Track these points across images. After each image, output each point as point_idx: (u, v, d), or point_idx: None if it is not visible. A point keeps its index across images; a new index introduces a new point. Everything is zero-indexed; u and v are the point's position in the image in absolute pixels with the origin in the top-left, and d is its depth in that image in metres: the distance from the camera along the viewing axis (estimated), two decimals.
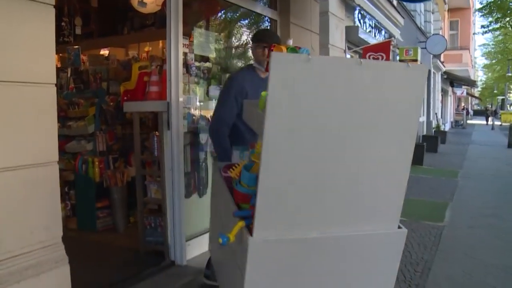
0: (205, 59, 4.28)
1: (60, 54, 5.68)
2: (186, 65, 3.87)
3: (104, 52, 5.94)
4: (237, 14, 5.21)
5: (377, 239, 1.99)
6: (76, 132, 5.14)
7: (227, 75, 4.49)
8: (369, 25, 8.59)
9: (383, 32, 9.55)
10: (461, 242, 4.79)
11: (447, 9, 25.52)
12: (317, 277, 1.96)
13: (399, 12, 10.34)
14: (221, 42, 4.80)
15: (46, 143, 2.47)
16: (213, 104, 4.35)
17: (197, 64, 4.06)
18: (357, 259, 2.01)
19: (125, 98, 4.24)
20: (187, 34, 3.87)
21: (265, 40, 3.04)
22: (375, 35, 9.02)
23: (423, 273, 3.88)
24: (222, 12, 5.05)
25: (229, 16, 5.26)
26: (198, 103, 4.11)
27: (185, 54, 3.82)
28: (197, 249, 3.94)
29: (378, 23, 9.04)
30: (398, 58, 10.71)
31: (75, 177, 4.95)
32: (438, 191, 7.68)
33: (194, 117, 4.04)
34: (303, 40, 5.18)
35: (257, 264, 1.83)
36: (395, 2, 10.40)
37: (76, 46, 5.47)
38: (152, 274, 3.55)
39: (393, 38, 9.70)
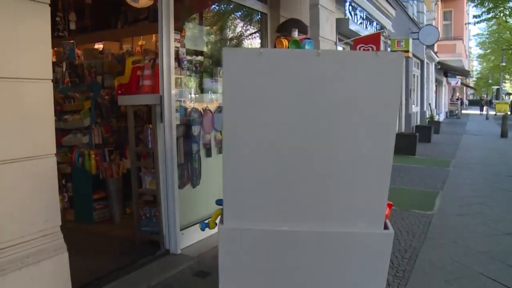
0: (197, 53, 4.36)
1: (55, 49, 5.73)
2: (178, 59, 3.96)
3: (99, 46, 6.00)
4: (228, 8, 5.27)
5: (358, 239, 1.86)
6: (72, 126, 5.23)
7: (219, 68, 4.57)
8: (360, 17, 8.66)
9: (374, 24, 9.61)
10: (449, 230, 4.91)
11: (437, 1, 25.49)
12: (294, 271, 1.89)
13: (390, 4, 10.40)
14: (213, 36, 4.87)
15: (44, 136, 2.56)
16: (208, 97, 4.47)
17: (189, 58, 4.14)
18: (338, 258, 1.90)
19: (119, 92, 4.32)
20: (179, 28, 3.95)
21: (281, 31, 2.90)
22: (366, 27, 9.08)
23: (410, 259, 4.00)
24: (213, 6, 5.11)
25: (220, 10, 5.32)
26: (190, 96, 4.20)
27: (177, 48, 3.90)
28: (191, 238, 4.05)
29: (369, 14, 9.10)
30: (390, 49, 10.80)
31: (72, 170, 5.05)
32: (429, 181, 7.82)
33: (186, 110, 4.14)
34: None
35: (228, 251, 1.85)
36: None
37: (71, 41, 5.54)
38: (148, 262, 3.66)
39: (384, 30, 9.77)
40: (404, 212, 5.59)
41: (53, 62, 5.52)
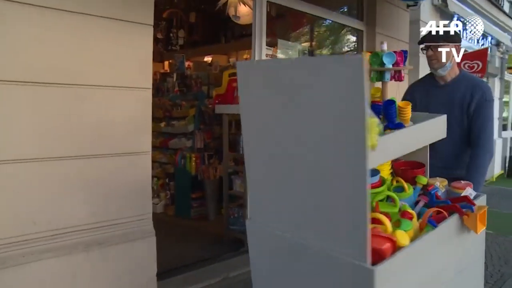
0: None
1: (170, 61, 6.44)
2: None
3: (208, 59, 6.59)
4: (323, 26, 5.46)
5: (338, 267, 1.55)
6: (178, 130, 5.83)
7: None
8: (471, 31, 8.17)
9: (489, 38, 9.01)
10: None
11: None
12: (301, 283, 1.74)
13: (509, 16, 9.64)
14: (306, 52, 5.09)
15: (143, 136, 3.03)
16: None
17: None
18: (322, 282, 1.63)
19: (216, 101, 4.76)
20: (272, 44, 4.26)
21: (422, 42, 2.78)
22: (478, 42, 8.56)
23: (494, 285, 3.80)
24: (308, 24, 5.34)
25: (315, 27, 5.52)
26: None
27: None
28: None
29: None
30: (507, 65, 10.03)
31: (174, 170, 5.64)
32: None
33: None
34: (390, 50, 5.26)
35: (252, 245, 1.94)
36: (506, 7, 9.74)
37: (182, 54, 6.18)
38: (230, 257, 4.02)
39: (501, 44, 9.14)
40: (500, 237, 5.24)
41: (165, 73, 6.27)
